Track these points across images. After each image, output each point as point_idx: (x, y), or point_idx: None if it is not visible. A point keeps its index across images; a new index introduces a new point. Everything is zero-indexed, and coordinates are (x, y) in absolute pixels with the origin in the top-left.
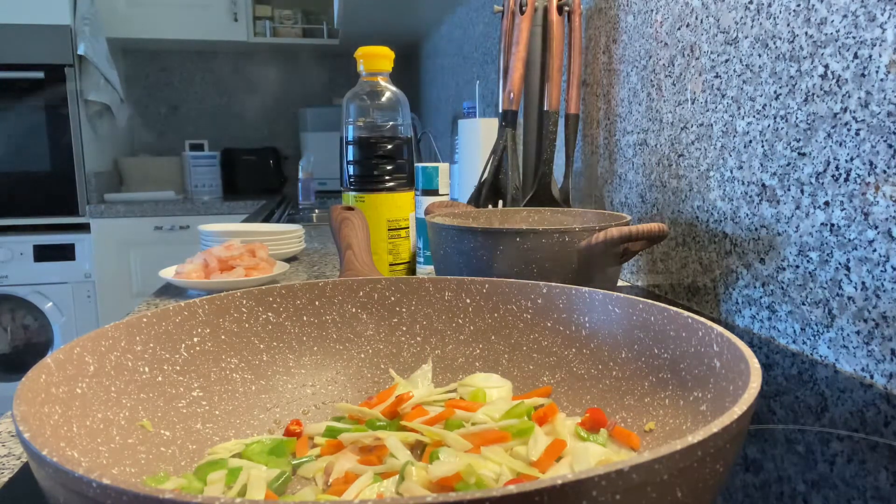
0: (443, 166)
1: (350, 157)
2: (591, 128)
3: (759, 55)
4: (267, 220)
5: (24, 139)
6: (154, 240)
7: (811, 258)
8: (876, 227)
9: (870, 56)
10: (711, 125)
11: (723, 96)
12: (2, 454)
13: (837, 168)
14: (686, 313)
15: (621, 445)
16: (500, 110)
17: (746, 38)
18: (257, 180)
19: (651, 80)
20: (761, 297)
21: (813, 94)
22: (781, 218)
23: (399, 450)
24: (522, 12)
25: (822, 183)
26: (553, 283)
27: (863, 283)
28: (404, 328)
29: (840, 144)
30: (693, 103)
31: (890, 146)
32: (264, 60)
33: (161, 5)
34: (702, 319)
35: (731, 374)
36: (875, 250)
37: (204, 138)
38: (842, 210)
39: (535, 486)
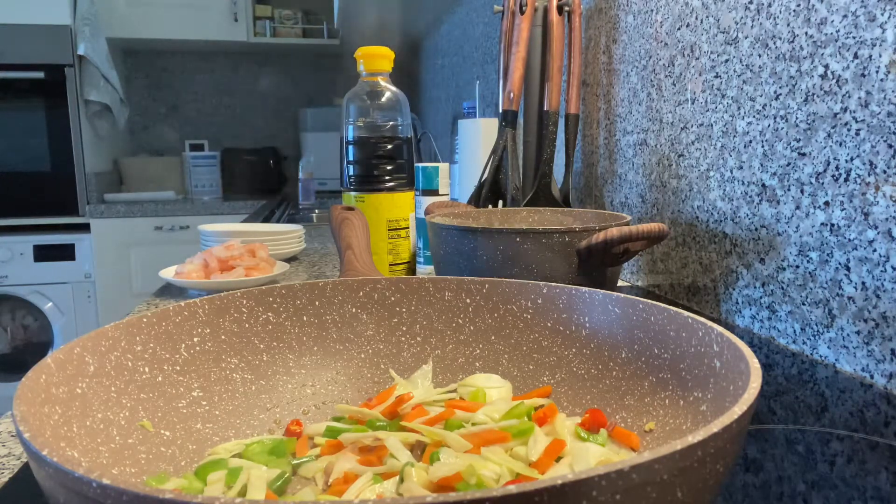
0: (443, 166)
1: (350, 157)
2: (591, 128)
3: (759, 55)
4: (267, 220)
5: (24, 139)
6: (154, 240)
7: (811, 258)
8: (876, 227)
9: (870, 56)
10: (711, 125)
11: (723, 96)
12: (2, 454)
13: (837, 168)
14: (686, 313)
15: (621, 445)
16: (500, 110)
17: (746, 38)
18: (257, 180)
19: (651, 80)
20: (761, 297)
21: (813, 94)
22: (781, 218)
23: (399, 450)
24: (522, 12)
25: (822, 183)
26: (553, 283)
27: (863, 283)
28: (404, 328)
29: (840, 144)
30: (693, 103)
31: (890, 146)
32: (264, 60)
33: (161, 5)
34: (702, 319)
35: (731, 374)
36: (875, 250)
37: (204, 138)
38: (842, 210)
39: (535, 486)
